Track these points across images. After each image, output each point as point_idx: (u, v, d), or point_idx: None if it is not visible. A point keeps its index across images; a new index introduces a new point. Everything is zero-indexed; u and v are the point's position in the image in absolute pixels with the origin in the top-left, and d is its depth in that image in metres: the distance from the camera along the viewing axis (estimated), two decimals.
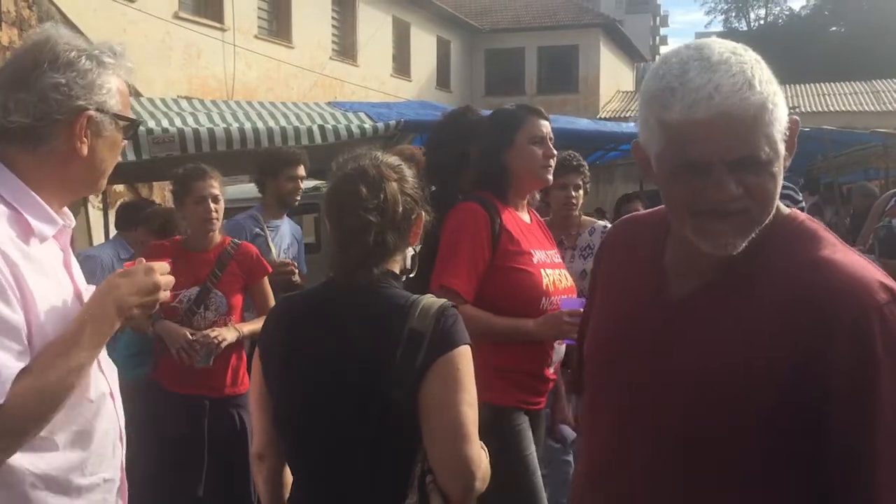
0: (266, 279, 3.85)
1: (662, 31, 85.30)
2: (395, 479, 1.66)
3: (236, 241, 3.83)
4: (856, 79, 29.75)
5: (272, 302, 3.83)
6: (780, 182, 1.25)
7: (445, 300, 1.72)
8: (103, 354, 1.60)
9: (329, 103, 5.97)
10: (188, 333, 3.49)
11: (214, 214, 3.64)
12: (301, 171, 4.37)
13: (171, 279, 1.59)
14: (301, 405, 1.73)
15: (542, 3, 30.17)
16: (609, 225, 4.33)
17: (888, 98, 27.14)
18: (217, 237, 3.76)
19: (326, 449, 1.71)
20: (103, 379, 1.61)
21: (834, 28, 47.70)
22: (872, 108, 26.13)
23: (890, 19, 40.97)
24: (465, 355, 1.68)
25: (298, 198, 4.43)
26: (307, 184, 8.31)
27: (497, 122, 2.76)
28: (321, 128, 4.93)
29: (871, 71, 31.54)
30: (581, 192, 4.21)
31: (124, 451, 1.69)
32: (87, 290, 1.60)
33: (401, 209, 1.74)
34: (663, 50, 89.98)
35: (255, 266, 3.79)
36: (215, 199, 3.65)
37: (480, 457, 1.69)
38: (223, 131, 4.64)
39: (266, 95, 16.54)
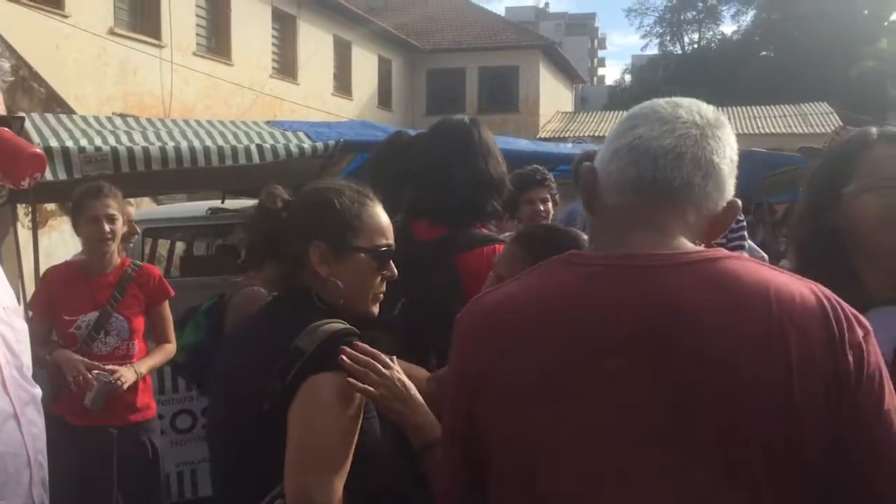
0: (167, 303, 3.74)
1: (600, 53, 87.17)
2: (254, 493, 1.60)
3: (137, 262, 3.72)
4: (785, 102, 30.77)
5: (171, 328, 3.74)
6: None
7: (349, 328, 1.66)
8: (12, 373, 1.52)
9: (268, 122, 5.89)
10: (85, 366, 3.33)
11: (108, 235, 3.47)
12: None
13: None
14: (209, 413, 1.83)
15: (483, 24, 30.54)
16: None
17: (815, 121, 28.11)
18: (116, 259, 3.61)
19: (212, 454, 1.82)
20: (6, 399, 1.50)
21: (764, 53, 49.26)
22: (801, 131, 26.99)
23: (817, 45, 42.50)
24: (331, 383, 1.56)
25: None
26: (246, 203, 8.27)
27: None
28: (259, 147, 4.86)
29: (800, 94, 32.66)
30: (550, 205, 4.20)
31: (43, 476, 1.59)
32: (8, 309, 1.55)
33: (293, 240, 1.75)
34: (601, 72, 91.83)
35: (156, 288, 3.68)
36: (110, 219, 3.48)
37: (325, 492, 1.51)
38: (158, 150, 4.55)
39: (204, 113, 16.34)
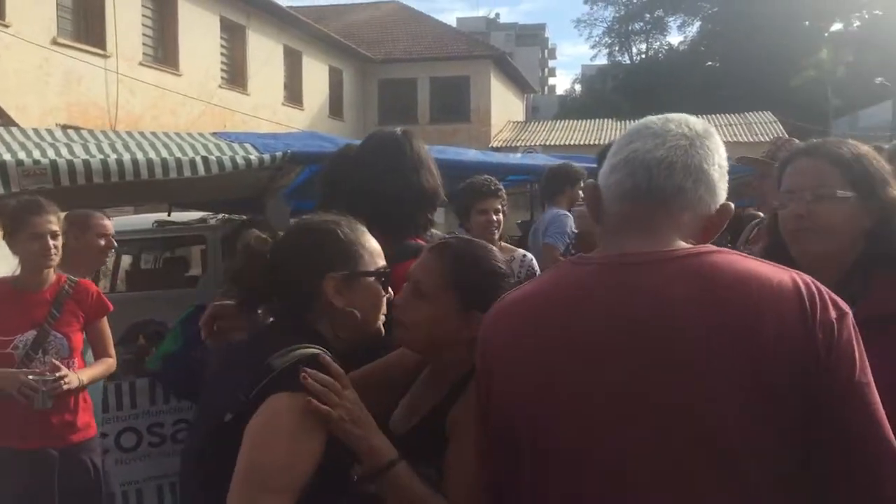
0: (106, 318, 3.67)
1: (551, 63, 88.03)
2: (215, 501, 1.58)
3: (73, 278, 3.62)
4: (730, 111, 31.42)
5: (111, 343, 3.67)
6: None
7: (325, 352, 1.64)
8: None
9: (214, 133, 5.80)
10: (25, 373, 3.25)
11: (53, 251, 3.41)
12: None
13: None
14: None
15: (434, 34, 30.66)
16: (527, 254, 4.39)
17: (760, 129, 28.80)
18: (52, 275, 3.53)
19: (182, 466, 1.83)
20: None
21: (710, 63, 50.29)
22: (746, 139, 27.62)
23: (761, 55, 43.49)
24: (290, 403, 1.53)
25: None
26: (193, 215, 8.16)
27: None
28: (205, 159, 4.77)
29: (745, 103, 33.38)
30: (501, 216, 4.23)
31: None
32: None
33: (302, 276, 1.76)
34: (552, 81, 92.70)
35: (94, 305, 3.61)
36: (54, 236, 3.42)
37: None
38: (100, 163, 4.43)
39: (151, 124, 16.10)
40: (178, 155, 4.83)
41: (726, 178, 1.44)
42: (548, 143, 29.01)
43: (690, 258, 1.33)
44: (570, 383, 1.34)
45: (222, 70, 20.83)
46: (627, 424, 1.29)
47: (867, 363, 1.27)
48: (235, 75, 21.34)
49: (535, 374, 1.39)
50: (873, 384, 1.26)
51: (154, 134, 5.50)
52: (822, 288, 1.30)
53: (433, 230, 5.49)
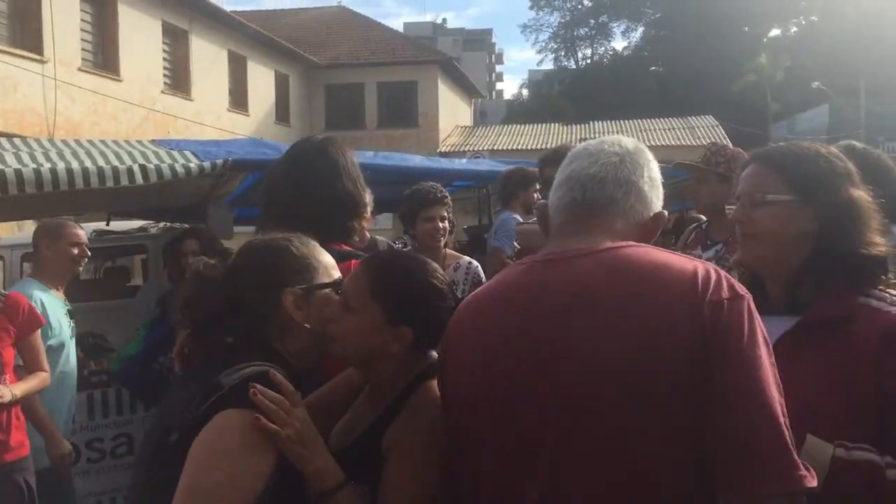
0: (38, 332, 3.59)
1: (498, 68, 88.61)
2: None
3: (3, 292, 3.55)
4: (673, 115, 31.99)
5: (43, 358, 3.59)
6: None
7: (275, 368, 1.60)
8: None
9: (153, 141, 5.69)
10: None
11: None
12: None
13: None
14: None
15: (381, 40, 30.59)
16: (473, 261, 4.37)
17: (702, 133, 29.32)
18: None
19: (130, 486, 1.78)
20: None
21: (653, 68, 51.18)
22: (689, 143, 28.11)
23: (702, 61, 44.40)
24: (238, 420, 1.49)
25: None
26: (133, 224, 7.99)
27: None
28: (143, 167, 4.66)
29: (687, 108, 34.01)
30: (447, 223, 4.21)
31: None
32: None
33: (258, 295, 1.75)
34: (499, 86, 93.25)
35: (26, 319, 3.52)
36: None
37: None
38: (32, 172, 4.30)
39: (91, 131, 15.74)
40: (115, 163, 4.72)
41: (659, 189, 1.62)
42: (495, 147, 29.18)
43: (605, 252, 1.48)
44: (492, 373, 1.49)
45: (165, 75, 20.47)
46: (529, 407, 1.43)
47: (759, 340, 1.36)
48: (178, 81, 21.00)
49: (472, 366, 1.55)
50: (765, 360, 1.35)
51: (91, 142, 5.37)
52: (724, 275, 1.41)
53: (379, 237, 5.47)
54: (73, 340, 4.17)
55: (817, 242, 1.73)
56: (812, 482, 1.31)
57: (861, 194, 1.75)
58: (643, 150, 1.64)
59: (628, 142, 1.64)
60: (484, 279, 4.24)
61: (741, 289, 1.41)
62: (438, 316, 1.74)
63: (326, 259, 1.84)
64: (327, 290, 1.79)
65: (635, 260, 1.45)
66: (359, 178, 2.45)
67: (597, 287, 1.43)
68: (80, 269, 4.16)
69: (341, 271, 1.87)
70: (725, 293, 1.38)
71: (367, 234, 4.96)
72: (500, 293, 1.59)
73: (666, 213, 1.61)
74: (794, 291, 1.76)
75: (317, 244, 1.86)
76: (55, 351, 3.93)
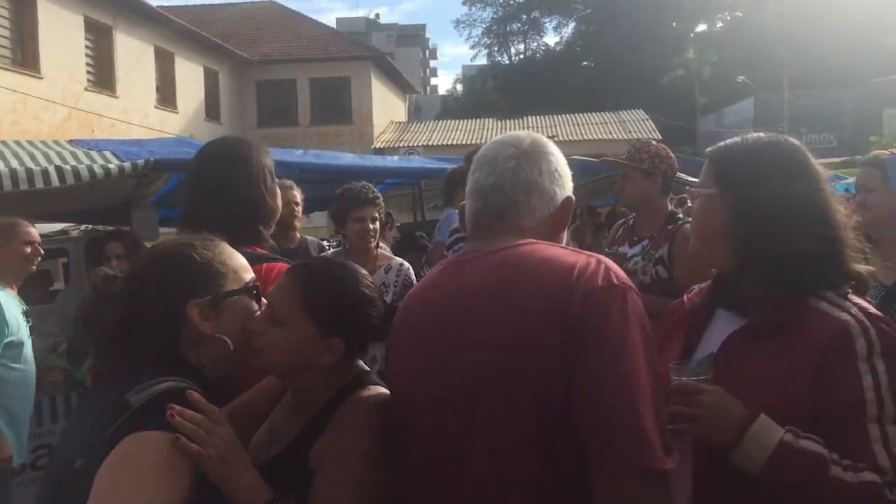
0: None
1: (432, 63, 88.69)
2: None
3: None
4: (605, 109, 32.45)
5: None
6: None
7: (188, 383, 1.52)
8: None
9: (71, 141, 5.51)
10: None
11: None
12: None
13: None
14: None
15: (313, 35, 30.22)
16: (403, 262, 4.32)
17: (633, 127, 29.83)
18: None
19: None
20: None
21: (585, 63, 51.80)
22: (620, 137, 28.55)
23: (632, 55, 45.14)
24: (150, 443, 1.39)
25: None
26: (54, 227, 7.73)
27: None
28: (59, 169, 4.50)
29: (619, 102, 34.56)
30: (378, 224, 4.16)
31: None
32: None
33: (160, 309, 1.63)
34: (434, 81, 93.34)
35: None
36: None
37: None
38: None
39: (11, 130, 15.18)
40: (30, 165, 4.56)
41: (564, 176, 1.69)
42: (430, 143, 29.16)
43: (501, 251, 1.58)
44: (414, 367, 1.63)
45: (88, 72, 19.82)
46: (435, 397, 1.55)
47: (631, 328, 1.43)
48: (103, 78, 20.36)
49: (401, 360, 1.70)
50: (634, 347, 1.42)
51: (4, 143, 5.17)
52: (605, 267, 1.49)
53: (309, 237, 5.38)
54: (31, 340, 4.14)
55: (738, 239, 1.66)
56: (668, 464, 1.37)
57: (803, 194, 1.64)
58: (540, 144, 1.69)
59: (525, 139, 1.69)
60: (415, 280, 4.22)
61: (620, 279, 1.48)
62: (369, 325, 1.70)
63: (235, 262, 1.72)
64: (241, 297, 1.68)
65: (525, 256, 1.55)
66: (268, 181, 2.36)
67: (486, 284, 1.54)
68: (34, 268, 4.16)
69: (256, 274, 1.77)
70: (600, 283, 1.46)
71: (298, 235, 4.91)
72: (422, 291, 1.74)
73: (573, 198, 1.69)
74: (738, 290, 1.70)
75: (225, 246, 1.74)
76: (15, 348, 3.92)
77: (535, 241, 1.59)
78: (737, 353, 1.63)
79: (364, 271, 1.80)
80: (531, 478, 1.44)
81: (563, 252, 1.56)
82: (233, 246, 1.80)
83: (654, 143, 3.73)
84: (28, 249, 4.09)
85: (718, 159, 1.75)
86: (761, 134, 1.75)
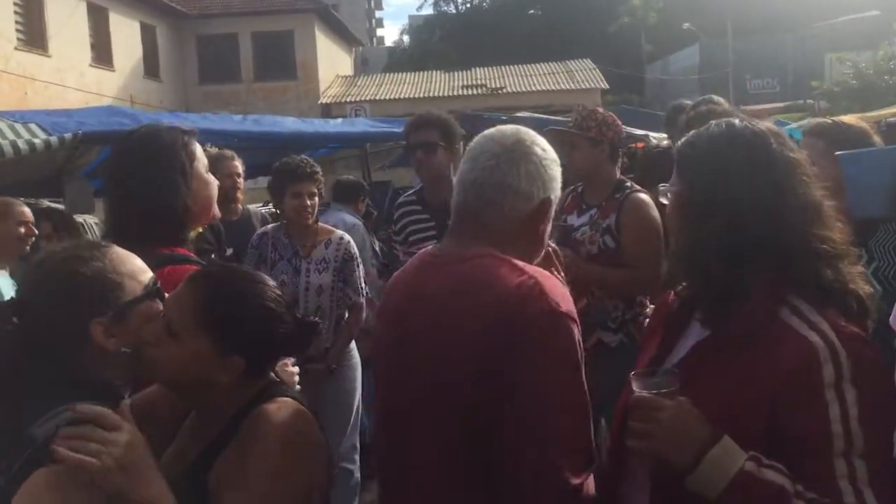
0: None
1: (377, 14, 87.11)
2: None
3: None
4: (553, 59, 32.26)
5: None
6: None
7: (99, 403, 1.41)
8: None
9: None
10: None
11: None
12: None
13: None
14: None
15: None
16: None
17: (581, 77, 29.75)
18: None
19: None
20: None
21: (532, 11, 51.30)
22: (568, 87, 28.49)
23: (578, 3, 44.85)
24: (42, 483, 1.30)
25: None
26: None
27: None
28: None
29: (566, 51, 34.39)
30: (316, 199, 4.06)
31: None
32: None
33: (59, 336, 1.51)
34: (380, 33, 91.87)
35: None
36: None
37: None
38: None
39: None
40: None
41: (545, 174, 1.70)
42: (378, 97, 28.75)
43: (460, 264, 1.66)
44: (385, 359, 1.80)
45: (18, 30, 18.99)
46: (397, 390, 1.72)
47: (561, 356, 1.53)
48: (33, 35, 19.53)
49: (379, 354, 1.85)
50: (562, 374, 1.53)
51: None
52: (549, 292, 1.55)
53: (252, 207, 5.20)
54: None
55: (701, 236, 1.54)
56: (574, 480, 1.49)
57: (764, 187, 1.50)
58: (524, 143, 1.71)
59: (510, 137, 1.72)
60: (355, 253, 4.13)
61: (561, 306, 1.54)
62: (273, 342, 1.59)
63: (129, 266, 1.59)
64: (144, 303, 1.56)
65: (477, 274, 1.62)
66: (203, 178, 2.19)
67: (438, 296, 1.65)
68: (28, 248, 3.99)
69: (159, 277, 1.64)
70: (537, 309, 1.52)
71: (241, 207, 4.76)
72: (399, 283, 1.86)
73: (552, 200, 1.72)
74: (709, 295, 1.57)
75: (116, 250, 1.60)
76: None
77: (491, 252, 1.65)
78: (700, 363, 1.53)
79: (272, 282, 1.68)
80: (458, 485, 1.60)
81: (508, 272, 1.60)
82: (151, 249, 1.67)
83: (600, 110, 3.67)
84: (22, 230, 4.00)
85: (681, 155, 1.63)
86: (733, 121, 1.61)
